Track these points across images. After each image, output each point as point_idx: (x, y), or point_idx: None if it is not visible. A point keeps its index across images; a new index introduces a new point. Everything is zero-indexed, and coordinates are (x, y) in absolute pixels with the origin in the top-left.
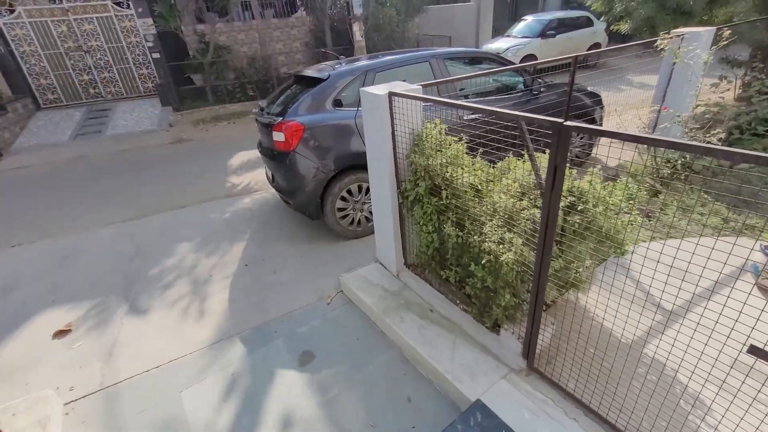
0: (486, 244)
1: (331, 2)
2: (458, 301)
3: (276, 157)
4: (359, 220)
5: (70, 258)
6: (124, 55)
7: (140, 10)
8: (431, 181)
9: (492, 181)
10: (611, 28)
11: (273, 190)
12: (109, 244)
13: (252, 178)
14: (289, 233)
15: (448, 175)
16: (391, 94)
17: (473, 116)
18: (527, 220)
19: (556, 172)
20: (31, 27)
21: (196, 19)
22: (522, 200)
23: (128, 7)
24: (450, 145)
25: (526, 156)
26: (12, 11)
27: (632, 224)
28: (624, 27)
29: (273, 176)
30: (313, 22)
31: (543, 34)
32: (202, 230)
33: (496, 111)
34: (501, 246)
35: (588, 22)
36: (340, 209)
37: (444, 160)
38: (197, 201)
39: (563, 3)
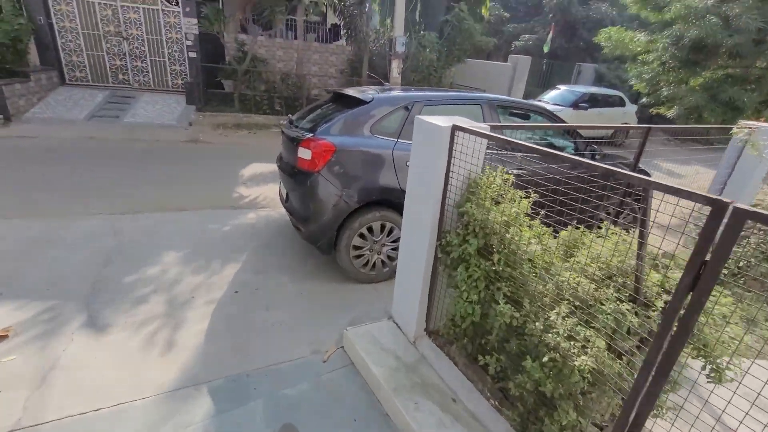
0: (550, 335)
1: (375, 37)
2: (490, 396)
3: (296, 176)
4: (375, 263)
5: (39, 245)
6: (161, 48)
7: (188, 9)
8: (485, 240)
9: (565, 253)
10: (651, 110)
11: (282, 210)
12: (88, 237)
13: (262, 193)
14: (291, 263)
15: (508, 236)
16: (456, 128)
17: (537, 170)
18: (608, 314)
19: (702, 270)
20: (77, 5)
21: (240, 28)
22: (602, 287)
23: (177, 4)
24: (516, 200)
25: (604, 229)
26: None
27: (736, 340)
28: (670, 112)
29: (287, 196)
30: (352, 52)
31: (576, 105)
32: (196, 240)
33: (614, 170)
34: (572, 343)
35: (620, 102)
36: (356, 247)
37: (505, 218)
38: (198, 206)
39: (596, 80)
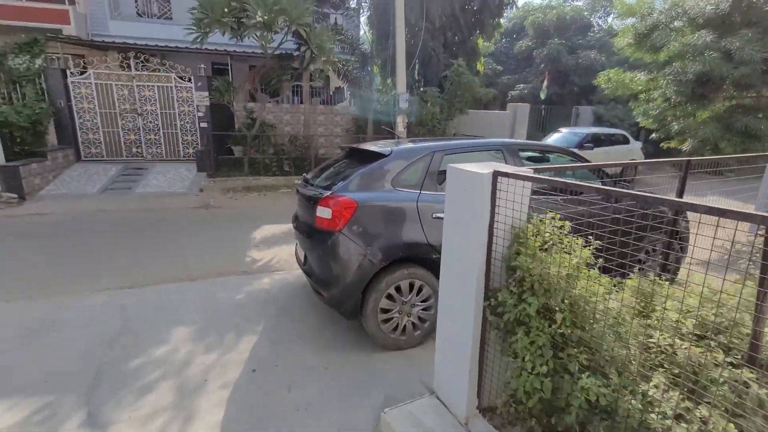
0: (654, 416)
1: (377, 96)
2: None
3: (315, 237)
4: (405, 326)
5: (41, 330)
6: (174, 121)
7: (200, 84)
8: (546, 297)
9: (641, 307)
10: (662, 145)
11: (298, 272)
12: (93, 318)
13: (275, 255)
14: (311, 331)
15: (576, 293)
16: (497, 174)
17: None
18: (723, 384)
19: None
20: (96, 88)
21: (249, 97)
22: (703, 349)
23: (189, 80)
24: (575, 249)
25: (684, 277)
26: (83, 72)
27: None
28: (684, 145)
29: (306, 258)
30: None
31: (580, 146)
32: (208, 312)
33: (727, 210)
34: (687, 426)
35: (624, 140)
36: (384, 310)
37: (569, 271)
38: (210, 274)
39: (594, 121)
